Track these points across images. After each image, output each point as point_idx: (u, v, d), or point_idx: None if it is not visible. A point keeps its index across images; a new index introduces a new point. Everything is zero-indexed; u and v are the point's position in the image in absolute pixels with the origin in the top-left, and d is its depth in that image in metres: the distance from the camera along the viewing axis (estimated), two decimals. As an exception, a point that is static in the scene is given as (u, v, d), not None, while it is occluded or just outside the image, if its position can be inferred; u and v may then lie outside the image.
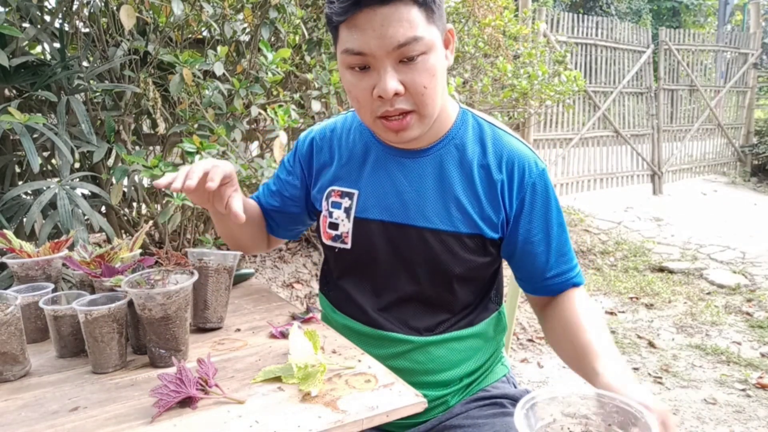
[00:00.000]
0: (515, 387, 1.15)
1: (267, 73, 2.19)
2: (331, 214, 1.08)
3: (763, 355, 2.87)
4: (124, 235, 2.39)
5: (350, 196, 1.06)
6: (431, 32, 0.88)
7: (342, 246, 1.07)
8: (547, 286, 1.03)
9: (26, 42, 1.99)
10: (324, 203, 1.09)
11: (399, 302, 1.05)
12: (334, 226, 1.07)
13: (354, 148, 1.08)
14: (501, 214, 1.00)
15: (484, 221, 1.00)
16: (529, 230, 1.01)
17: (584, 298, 1.00)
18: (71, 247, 1.06)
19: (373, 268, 1.05)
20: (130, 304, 0.88)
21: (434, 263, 1.01)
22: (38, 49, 2.28)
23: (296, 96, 2.47)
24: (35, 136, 1.79)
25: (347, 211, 1.05)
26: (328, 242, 1.09)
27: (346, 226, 1.05)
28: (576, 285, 1.03)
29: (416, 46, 0.86)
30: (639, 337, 3.14)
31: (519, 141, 1.04)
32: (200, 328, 1.02)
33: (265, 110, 2.23)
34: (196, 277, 0.89)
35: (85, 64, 2.14)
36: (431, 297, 1.04)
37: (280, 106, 2.18)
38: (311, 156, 1.14)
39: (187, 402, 0.75)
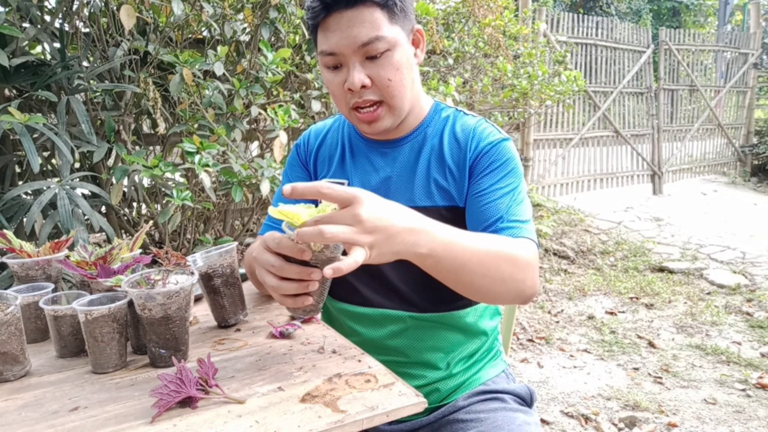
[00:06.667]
0: (514, 382, 1.18)
1: (267, 73, 2.19)
2: None
3: (763, 355, 2.87)
4: (124, 235, 2.40)
5: (341, 185, 1.06)
6: (394, 31, 0.98)
7: None
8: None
9: (26, 42, 1.99)
10: None
11: (391, 282, 1.09)
12: None
13: (342, 143, 1.17)
14: (465, 181, 1.05)
15: (458, 191, 1.06)
16: (480, 184, 1.03)
17: (507, 237, 0.95)
18: (71, 247, 1.06)
19: None
20: (130, 304, 0.88)
21: None
22: (38, 49, 2.28)
23: (296, 96, 2.47)
24: (35, 136, 1.79)
25: None
26: None
27: None
28: (511, 235, 0.98)
29: (379, 45, 0.96)
30: (639, 337, 3.14)
31: (486, 121, 1.10)
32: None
33: (265, 110, 2.23)
34: (196, 277, 0.89)
35: (85, 64, 2.14)
36: (419, 275, 1.03)
37: (280, 106, 2.18)
38: (312, 151, 1.21)
39: (187, 402, 0.75)
